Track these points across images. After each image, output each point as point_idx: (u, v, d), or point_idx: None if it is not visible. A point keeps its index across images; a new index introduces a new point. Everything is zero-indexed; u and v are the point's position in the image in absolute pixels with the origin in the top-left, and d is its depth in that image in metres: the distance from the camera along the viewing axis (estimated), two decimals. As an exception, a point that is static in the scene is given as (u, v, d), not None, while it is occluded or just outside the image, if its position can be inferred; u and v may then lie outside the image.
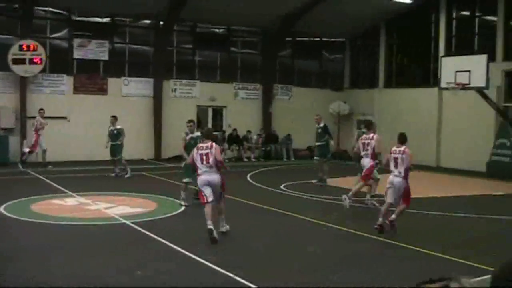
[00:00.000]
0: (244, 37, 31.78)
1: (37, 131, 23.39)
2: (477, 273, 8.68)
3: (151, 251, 11.03)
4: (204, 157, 12.02)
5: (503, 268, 3.16)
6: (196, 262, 10.14)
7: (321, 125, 21.37)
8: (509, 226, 14.67)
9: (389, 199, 12.92)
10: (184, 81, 29.22)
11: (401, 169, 12.72)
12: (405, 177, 12.78)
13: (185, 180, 15.97)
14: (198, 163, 12.08)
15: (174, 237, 11.93)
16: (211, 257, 10.29)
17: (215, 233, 11.51)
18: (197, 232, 12.66)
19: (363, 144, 15.87)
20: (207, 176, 12.03)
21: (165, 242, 11.52)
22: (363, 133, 17.89)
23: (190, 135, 16.83)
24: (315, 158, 21.82)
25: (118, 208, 15.33)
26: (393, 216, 12.73)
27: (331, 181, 21.27)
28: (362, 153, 15.73)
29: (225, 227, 12.39)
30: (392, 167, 12.95)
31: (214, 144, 12.23)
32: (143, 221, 13.60)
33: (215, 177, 12.09)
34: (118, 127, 22.07)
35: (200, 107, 29.62)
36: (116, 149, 21.91)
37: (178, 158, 27.25)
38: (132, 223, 13.32)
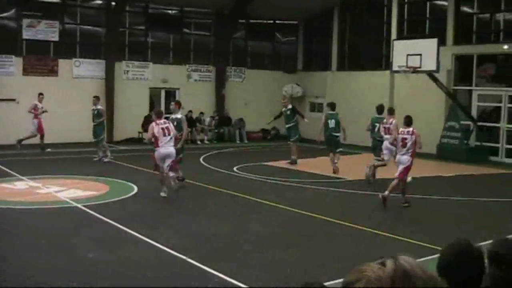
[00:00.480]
0: (197, 18, 31.54)
1: (37, 115, 23.10)
2: (425, 252, 8.87)
3: (103, 234, 10.97)
4: (166, 131, 14.30)
5: (448, 249, 3.25)
6: (148, 244, 10.14)
7: (290, 107, 22.14)
8: (457, 206, 15.01)
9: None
10: (136, 63, 28.87)
11: (409, 148, 14.00)
12: (412, 155, 14.09)
13: None
14: (161, 137, 14.11)
15: (126, 219, 11.90)
16: (163, 240, 10.29)
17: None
18: (149, 215, 12.70)
19: (403, 139, 14.44)
20: (165, 150, 14.27)
21: (116, 224, 11.48)
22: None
23: (171, 116, 16.88)
24: (289, 141, 22.33)
25: (69, 191, 15.17)
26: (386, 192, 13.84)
27: (286, 163, 21.46)
28: (402, 151, 14.40)
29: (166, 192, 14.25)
30: (399, 146, 14.26)
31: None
32: (95, 204, 13.50)
33: (173, 150, 14.39)
34: (99, 107, 21.96)
35: (153, 89, 29.35)
36: (96, 130, 21.67)
37: (130, 141, 27.20)
38: (84, 206, 13.22)
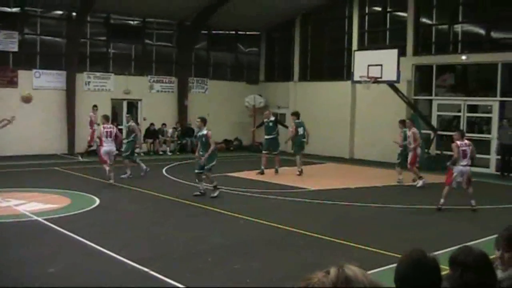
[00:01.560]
0: (159, 29, 31.44)
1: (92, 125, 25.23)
2: (385, 261, 8.95)
3: (63, 248, 10.83)
4: (109, 134, 19.03)
5: (403, 260, 3.29)
6: (110, 257, 10.04)
7: (272, 119, 22.80)
8: (417, 214, 15.17)
9: (454, 184, 15.58)
10: (98, 74, 28.64)
11: (469, 159, 15.40)
12: (471, 164, 15.79)
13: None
14: (103, 138, 18.95)
15: (87, 232, 11.76)
16: (125, 252, 10.20)
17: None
18: (111, 227, 12.59)
19: (464, 151, 15.55)
20: (108, 148, 18.96)
21: (78, 238, 11.34)
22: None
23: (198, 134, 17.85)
24: (264, 151, 22.63)
25: (30, 204, 14.93)
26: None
27: (250, 174, 21.52)
28: (465, 162, 15.50)
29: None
30: (461, 158, 15.33)
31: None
32: (56, 217, 13.31)
33: (113, 148, 19.18)
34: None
35: (115, 100, 29.13)
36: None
37: (93, 152, 26.92)
38: (44, 219, 13.02)
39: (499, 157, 23.95)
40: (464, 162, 15.37)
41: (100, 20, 29.46)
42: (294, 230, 12.48)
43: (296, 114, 22.36)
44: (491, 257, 4.43)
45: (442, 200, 15.21)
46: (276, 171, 22.13)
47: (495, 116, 24.70)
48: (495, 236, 4.28)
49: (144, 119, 29.57)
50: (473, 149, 15.63)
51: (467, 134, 24.52)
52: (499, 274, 3.95)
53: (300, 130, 21.88)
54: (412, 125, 20.49)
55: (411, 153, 19.91)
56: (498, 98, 24.60)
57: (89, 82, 28.16)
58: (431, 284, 3.20)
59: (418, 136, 20.32)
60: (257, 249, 11.06)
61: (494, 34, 25.64)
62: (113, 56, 29.77)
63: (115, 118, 28.16)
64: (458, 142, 15.48)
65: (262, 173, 21.75)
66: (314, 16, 31.84)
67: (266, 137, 22.72)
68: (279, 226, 12.88)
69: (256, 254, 10.70)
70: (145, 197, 16.44)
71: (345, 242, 11.39)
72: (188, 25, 30.86)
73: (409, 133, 20.11)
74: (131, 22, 30.84)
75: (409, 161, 19.97)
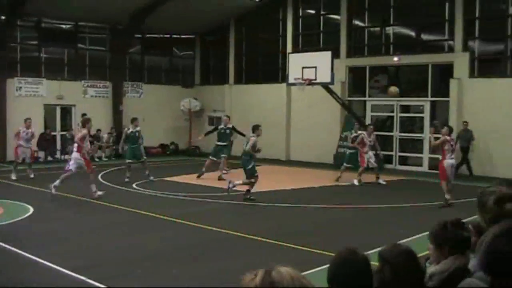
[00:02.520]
0: (92, 33, 30.98)
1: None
2: (319, 259, 9.05)
3: (-3, 259, 10.55)
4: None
5: (334, 259, 3.33)
6: (46, 267, 9.83)
7: (230, 126, 22.40)
8: (354, 214, 15.40)
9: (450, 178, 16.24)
10: (29, 79, 27.95)
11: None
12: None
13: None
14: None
15: (21, 242, 11.48)
16: (61, 261, 10.01)
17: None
18: (46, 236, 12.35)
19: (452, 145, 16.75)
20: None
21: (12, 248, 11.04)
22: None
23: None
24: (211, 156, 22.16)
25: (-40, 214, 14.49)
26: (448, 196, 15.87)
27: (187, 178, 21.44)
28: (453, 156, 16.71)
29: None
30: (450, 152, 16.25)
31: None
32: (-13, 227, 12.95)
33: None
34: (138, 128, 21.70)
35: (48, 106, 28.52)
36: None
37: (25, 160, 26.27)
38: (-25, 229, 12.66)
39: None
40: (452, 156, 16.44)
41: (31, 24, 28.82)
42: (233, 233, 12.49)
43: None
44: (422, 254, 4.54)
45: (447, 196, 15.90)
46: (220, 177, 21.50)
47: (427, 116, 25.30)
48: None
49: (78, 125, 28.98)
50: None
51: (400, 134, 25.22)
52: (430, 269, 4.04)
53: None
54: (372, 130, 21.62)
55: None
56: (429, 98, 25.23)
57: (20, 87, 27.49)
58: (362, 283, 3.25)
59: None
60: (196, 254, 11.01)
61: (424, 36, 26.28)
62: (45, 60, 29.18)
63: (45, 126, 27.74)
64: (448, 137, 16.26)
65: (201, 175, 21.52)
66: (248, 19, 31.96)
67: (220, 143, 22.15)
68: (217, 229, 12.86)
69: (194, 258, 10.65)
70: (80, 204, 16.17)
71: (284, 244, 11.45)
72: (121, 28, 30.51)
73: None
74: (63, 26, 30.27)
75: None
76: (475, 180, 20.37)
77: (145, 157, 21.62)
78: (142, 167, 21.19)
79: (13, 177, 20.92)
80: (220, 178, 21.11)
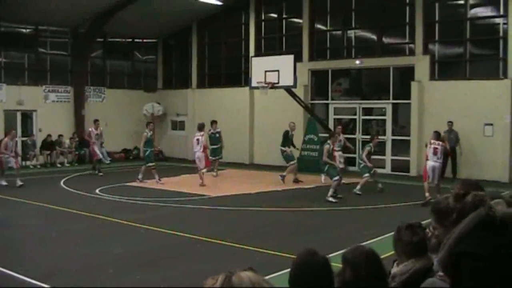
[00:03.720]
0: (53, 37, 30.57)
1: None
2: (283, 262, 9.07)
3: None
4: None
5: (294, 261, 3.35)
6: (8, 275, 9.66)
7: (218, 130, 24.35)
8: (318, 216, 15.47)
9: (433, 179, 17.00)
10: (-12, 85, 27.56)
11: (440, 156, 17.19)
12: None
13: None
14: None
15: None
16: (23, 270, 9.86)
17: None
18: (6, 244, 12.16)
19: (435, 148, 17.40)
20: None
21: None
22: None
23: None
24: (211, 157, 23.75)
25: None
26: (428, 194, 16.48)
27: (150, 183, 21.33)
28: (435, 158, 17.32)
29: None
30: (432, 155, 17.12)
31: None
32: None
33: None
34: (218, 130, 24.21)
35: (8, 112, 28.04)
36: (217, 151, 24.05)
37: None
38: None
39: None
40: (435, 158, 17.09)
41: (-11, 28, 28.38)
42: (196, 237, 12.46)
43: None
44: (388, 254, 4.59)
45: (427, 194, 16.54)
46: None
47: (389, 118, 25.57)
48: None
49: (40, 130, 28.68)
50: (444, 149, 17.78)
51: (363, 137, 25.43)
52: (393, 270, 4.10)
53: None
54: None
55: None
56: (391, 101, 25.51)
57: (-21, 93, 27.03)
58: (322, 284, 3.27)
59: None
60: (159, 258, 10.94)
61: (385, 40, 26.54)
62: (4, 65, 28.67)
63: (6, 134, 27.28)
64: (432, 141, 17.22)
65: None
66: (211, 23, 31.94)
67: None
68: (180, 234, 12.83)
69: (158, 263, 10.59)
70: (43, 211, 15.96)
71: (247, 247, 11.47)
72: (82, 32, 30.21)
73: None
74: (23, 30, 29.84)
75: None
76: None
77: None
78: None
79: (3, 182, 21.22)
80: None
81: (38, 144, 28.13)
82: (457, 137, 22.46)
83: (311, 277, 3.24)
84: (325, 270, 3.30)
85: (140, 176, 21.68)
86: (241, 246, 11.64)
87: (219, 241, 12.04)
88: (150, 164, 21.81)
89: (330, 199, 17.40)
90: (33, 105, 28.70)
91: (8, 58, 29.02)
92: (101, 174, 23.90)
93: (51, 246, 11.97)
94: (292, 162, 22.05)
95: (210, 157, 23.49)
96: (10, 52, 29.17)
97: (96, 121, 24.99)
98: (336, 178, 17.89)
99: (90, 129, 25.29)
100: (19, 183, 20.73)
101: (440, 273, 3.39)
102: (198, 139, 21.51)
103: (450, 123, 22.69)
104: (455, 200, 3.31)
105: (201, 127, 21.92)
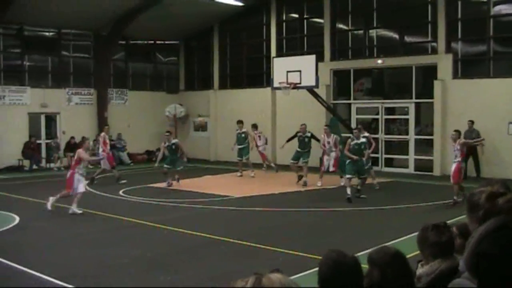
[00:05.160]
0: (76, 40, 30.80)
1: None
2: (306, 263, 9.05)
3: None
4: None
5: (323, 262, 3.34)
6: (32, 276, 9.76)
7: (244, 130, 24.66)
8: (343, 216, 15.41)
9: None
10: (13, 87, 27.77)
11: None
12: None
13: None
14: None
15: (6, 252, 11.38)
16: (48, 270, 9.95)
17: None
18: (32, 246, 12.25)
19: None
20: None
21: (-3, 258, 10.96)
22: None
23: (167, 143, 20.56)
24: (238, 158, 24.67)
25: None
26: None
27: (173, 184, 21.38)
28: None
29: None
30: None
31: None
32: (-27, 237, 12.84)
33: None
34: (244, 130, 24.54)
35: (32, 114, 28.34)
36: (243, 151, 24.32)
37: (9, 169, 26.15)
38: (-40, 240, 12.55)
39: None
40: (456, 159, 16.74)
41: (13, 32, 28.64)
42: (219, 238, 12.46)
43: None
44: (413, 254, 4.56)
45: (455, 197, 16.26)
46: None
47: (411, 117, 25.43)
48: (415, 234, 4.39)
49: (64, 133, 28.91)
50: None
51: (385, 136, 25.31)
52: (419, 270, 4.07)
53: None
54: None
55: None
56: (414, 100, 25.35)
57: (4, 96, 27.27)
58: (353, 284, 3.26)
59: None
60: (182, 259, 10.97)
61: (407, 38, 26.38)
62: (28, 68, 28.99)
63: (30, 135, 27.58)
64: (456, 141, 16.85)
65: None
66: (232, 24, 31.97)
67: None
68: (203, 235, 12.83)
69: (180, 264, 10.62)
70: (66, 213, 16.06)
71: (271, 248, 11.44)
72: (104, 35, 30.42)
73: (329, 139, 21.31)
74: (46, 34, 30.10)
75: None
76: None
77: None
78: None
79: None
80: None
81: (62, 146, 28.34)
82: (478, 135, 22.16)
83: (343, 278, 3.23)
84: (356, 270, 3.29)
85: (176, 177, 21.58)
86: (264, 246, 11.62)
87: (242, 242, 12.04)
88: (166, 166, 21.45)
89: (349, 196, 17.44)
90: (56, 107, 28.97)
91: (32, 61, 29.32)
92: (124, 181, 22.57)
93: (75, 248, 12.05)
94: (304, 161, 21.95)
95: (237, 158, 24.26)
96: (34, 56, 29.45)
97: (105, 126, 24.42)
98: (349, 176, 17.81)
99: (102, 134, 23.62)
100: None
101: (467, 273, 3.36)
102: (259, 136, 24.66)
103: (471, 122, 22.51)
104: (487, 199, 3.26)
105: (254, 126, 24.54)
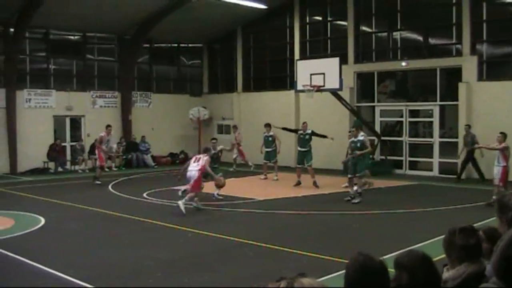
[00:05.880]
0: (100, 43, 31.07)
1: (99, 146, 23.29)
2: (330, 266, 9.02)
3: (9, 271, 10.55)
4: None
5: (350, 265, 3.32)
6: (58, 278, 9.83)
7: (271, 133, 24.08)
8: (365, 219, 15.34)
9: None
10: (39, 91, 28.05)
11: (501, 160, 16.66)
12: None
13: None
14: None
15: (33, 253, 11.49)
16: (73, 272, 10.01)
17: None
18: (58, 247, 12.35)
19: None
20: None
21: (23, 259, 11.05)
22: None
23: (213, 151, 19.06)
24: (265, 160, 24.56)
25: (-28, 226, 14.52)
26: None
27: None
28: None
29: None
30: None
31: None
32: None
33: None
34: (271, 133, 24.02)
35: (57, 117, 28.63)
36: (270, 154, 24.16)
37: (36, 171, 26.41)
38: (-13, 241, 12.67)
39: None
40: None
41: (39, 36, 28.95)
42: (244, 241, 12.46)
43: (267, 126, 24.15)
44: (437, 258, 4.52)
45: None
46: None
47: (436, 120, 25.25)
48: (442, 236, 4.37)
49: (88, 135, 29.13)
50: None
51: (409, 139, 25.16)
52: (445, 274, 4.04)
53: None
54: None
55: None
56: (438, 103, 25.18)
57: (29, 99, 27.58)
58: (380, 286, 3.25)
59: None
60: (207, 262, 10.98)
61: (431, 40, 26.22)
62: (54, 72, 29.26)
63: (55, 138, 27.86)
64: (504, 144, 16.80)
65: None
66: (255, 27, 32.03)
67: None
68: (228, 237, 12.84)
69: (206, 266, 10.63)
70: (91, 215, 16.18)
71: (295, 251, 11.42)
72: (129, 39, 30.64)
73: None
74: (71, 37, 30.39)
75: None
76: (486, 184, 20.30)
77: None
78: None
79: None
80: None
81: (87, 149, 28.56)
82: (474, 139, 22.03)
83: (370, 282, 3.21)
84: (382, 274, 3.27)
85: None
86: (287, 249, 11.60)
87: (266, 245, 12.03)
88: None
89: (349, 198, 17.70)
90: (81, 110, 29.24)
91: (57, 65, 29.62)
92: (99, 182, 22.33)
93: (99, 250, 12.13)
94: (308, 164, 21.91)
95: (264, 160, 24.30)
96: (59, 59, 29.74)
97: (108, 126, 24.47)
98: (358, 174, 17.91)
99: (102, 134, 23.67)
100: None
101: (495, 278, 3.33)
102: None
103: (467, 126, 22.71)
104: None
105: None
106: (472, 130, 22.65)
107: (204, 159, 16.91)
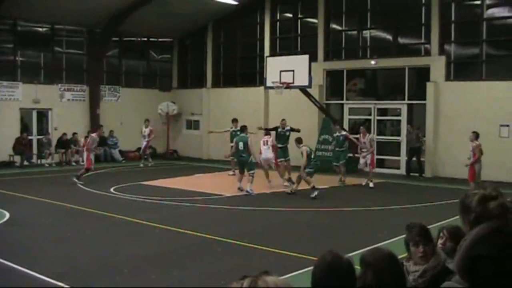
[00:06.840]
0: (69, 36, 30.71)
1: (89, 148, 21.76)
2: (297, 262, 9.05)
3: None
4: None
5: (318, 263, 3.34)
6: (24, 274, 9.71)
7: (288, 128, 22.24)
8: (332, 217, 15.42)
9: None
10: (5, 83, 27.62)
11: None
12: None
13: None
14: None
15: (-2, 249, 11.35)
16: (39, 268, 9.90)
17: None
18: (23, 242, 12.19)
19: None
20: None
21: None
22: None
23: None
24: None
25: None
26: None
27: (164, 182, 21.35)
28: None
29: None
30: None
31: None
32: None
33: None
34: (239, 128, 22.94)
35: (24, 110, 28.24)
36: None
37: (1, 165, 26.05)
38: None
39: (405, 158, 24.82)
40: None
41: (7, 27, 28.50)
42: (211, 237, 12.45)
43: (241, 129, 21.64)
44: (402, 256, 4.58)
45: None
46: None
47: (404, 119, 25.47)
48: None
49: (55, 129, 28.81)
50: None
51: (377, 137, 25.34)
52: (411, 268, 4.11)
53: (240, 145, 19.96)
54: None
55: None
56: (406, 101, 25.40)
57: (-5, 91, 27.18)
58: (347, 286, 3.27)
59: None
60: (174, 258, 10.95)
61: (401, 40, 26.43)
62: (21, 64, 28.87)
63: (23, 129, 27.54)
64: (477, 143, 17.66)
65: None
66: (226, 23, 31.98)
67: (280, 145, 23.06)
68: (195, 233, 12.82)
69: (173, 263, 10.60)
70: (58, 209, 16.02)
71: (262, 248, 11.44)
72: (98, 32, 30.37)
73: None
74: (40, 29, 30.01)
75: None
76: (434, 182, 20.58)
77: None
78: None
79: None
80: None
81: (54, 142, 28.26)
82: (418, 136, 23.50)
83: (337, 280, 3.23)
84: (350, 272, 3.30)
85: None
86: (255, 246, 11.62)
87: (234, 241, 12.03)
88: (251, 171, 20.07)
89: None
90: (48, 103, 28.89)
91: (24, 57, 29.23)
92: (80, 183, 20.98)
93: (65, 245, 12.00)
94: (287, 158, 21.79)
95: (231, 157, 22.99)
96: (27, 51, 29.35)
97: (101, 126, 23.95)
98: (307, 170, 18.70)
99: (92, 135, 22.41)
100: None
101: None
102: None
103: (409, 125, 24.34)
104: (479, 202, 3.25)
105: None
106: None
107: (270, 139, 20.51)
